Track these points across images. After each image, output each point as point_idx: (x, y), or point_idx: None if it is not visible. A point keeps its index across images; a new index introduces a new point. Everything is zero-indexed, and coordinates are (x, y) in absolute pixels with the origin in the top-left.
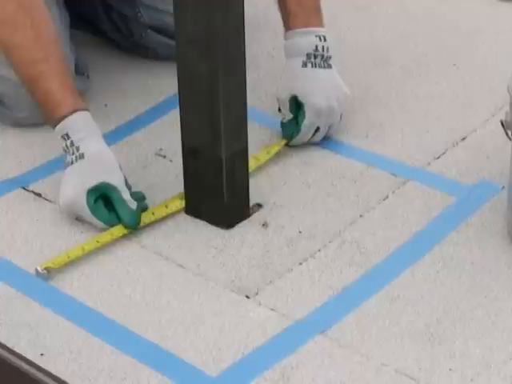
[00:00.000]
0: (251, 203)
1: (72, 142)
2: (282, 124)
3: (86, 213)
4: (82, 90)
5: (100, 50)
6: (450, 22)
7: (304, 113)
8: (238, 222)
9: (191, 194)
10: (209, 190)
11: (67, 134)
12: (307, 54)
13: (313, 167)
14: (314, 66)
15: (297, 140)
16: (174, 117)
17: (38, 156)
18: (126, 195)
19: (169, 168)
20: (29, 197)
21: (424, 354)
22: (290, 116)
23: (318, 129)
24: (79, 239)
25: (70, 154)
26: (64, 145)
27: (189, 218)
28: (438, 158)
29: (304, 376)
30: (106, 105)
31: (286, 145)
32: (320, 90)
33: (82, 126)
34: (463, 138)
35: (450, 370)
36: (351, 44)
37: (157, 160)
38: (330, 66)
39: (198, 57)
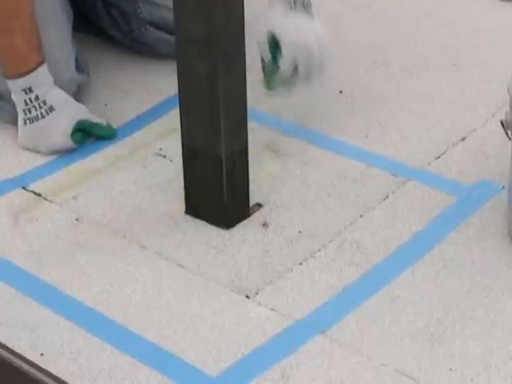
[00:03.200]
0: (251, 203)
1: (37, 96)
2: (262, 67)
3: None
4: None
5: (100, 49)
6: (450, 22)
7: (281, 49)
8: (237, 222)
9: (191, 194)
10: (209, 189)
11: (30, 88)
12: None
13: (313, 167)
14: (293, 9)
15: (277, 81)
16: (174, 117)
17: (37, 156)
18: (96, 119)
19: (169, 168)
20: (29, 197)
21: (424, 354)
22: (269, 57)
23: (297, 68)
24: (79, 239)
25: (37, 109)
26: (26, 98)
27: (189, 217)
28: (438, 157)
29: (304, 376)
30: (105, 104)
31: (268, 89)
32: (298, 29)
33: (44, 80)
34: (463, 138)
35: (450, 370)
36: (351, 44)
37: (157, 160)
38: (310, 13)
39: (197, 56)
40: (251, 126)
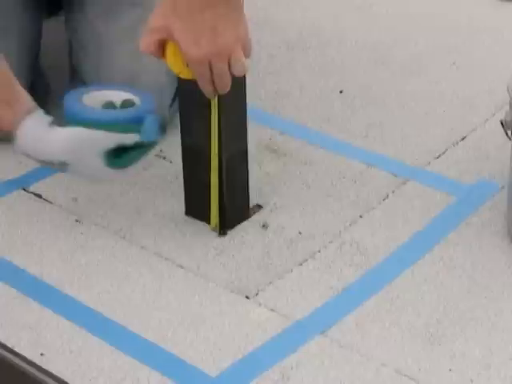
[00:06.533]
0: (251, 204)
1: (39, 161)
2: None
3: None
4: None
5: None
6: (450, 22)
7: None
8: (238, 223)
9: (191, 195)
10: (209, 190)
11: (28, 155)
12: None
13: (313, 167)
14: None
15: None
16: (174, 117)
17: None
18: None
19: (169, 169)
20: (29, 198)
21: (424, 354)
22: None
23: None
24: (79, 240)
25: (50, 165)
26: (33, 162)
27: (189, 218)
28: (438, 157)
29: (304, 376)
30: None
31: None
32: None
33: (35, 135)
34: (463, 138)
35: (450, 370)
36: (351, 44)
37: (157, 161)
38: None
39: None
40: (251, 125)
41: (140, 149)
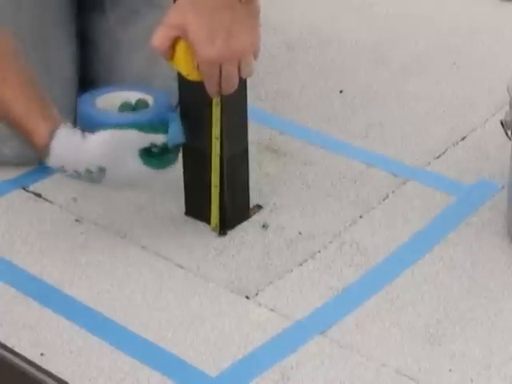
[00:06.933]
0: (251, 204)
1: (75, 171)
2: None
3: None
4: None
5: None
6: (450, 22)
7: None
8: (238, 223)
9: (191, 195)
10: (209, 190)
11: (63, 167)
12: None
13: (313, 167)
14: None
15: None
16: None
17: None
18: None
19: (169, 169)
20: (29, 197)
21: (424, 355)
22: None
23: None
24: (79, 240)
25: (88, 178)
26: (68, 175)
27: (189, 218)
28: (438, 157)
29: (304, 376)
30: None
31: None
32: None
33: (69, 147)
34: (463, 138)
35: (450, 370)
36: (351, 44)
37: None
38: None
39: None
40: (251, 125)
41: (172, 150)
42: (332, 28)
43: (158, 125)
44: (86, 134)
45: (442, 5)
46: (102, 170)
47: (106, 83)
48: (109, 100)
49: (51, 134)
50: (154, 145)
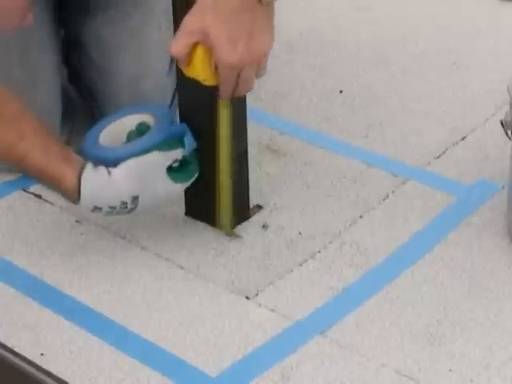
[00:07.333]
0: (251, 204)
1: (110, 207)
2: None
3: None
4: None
5: None
6: (450, 22)
7: None
8: (238, 224)
9: (191, 196)
10: (209, 191)
11: (96, 207)
12: None
13: (313, 167)
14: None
15: None
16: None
17: None
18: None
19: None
20: (29, 199)
21: (424, 355)
22: None
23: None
24: (79, 241)
25: (123, 212)
26: (103, 214)
27: (189, 219)
28: (438, 157)
29: (304, 376)
30: None
31: None
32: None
33: (98, 183)
34: (463, 138)
35: (450, 370)
36: (351, 44)
37: None
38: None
39: None
40: (251, 126)
41: (190, 160)
42: (332, 28)
43: (172, 140)
44: (110, 168)
45: (442, 5)
46: (135, 198)
47: (101, 87)
48: (111, 133)
49: (78, 177)
50: (176, 160)
